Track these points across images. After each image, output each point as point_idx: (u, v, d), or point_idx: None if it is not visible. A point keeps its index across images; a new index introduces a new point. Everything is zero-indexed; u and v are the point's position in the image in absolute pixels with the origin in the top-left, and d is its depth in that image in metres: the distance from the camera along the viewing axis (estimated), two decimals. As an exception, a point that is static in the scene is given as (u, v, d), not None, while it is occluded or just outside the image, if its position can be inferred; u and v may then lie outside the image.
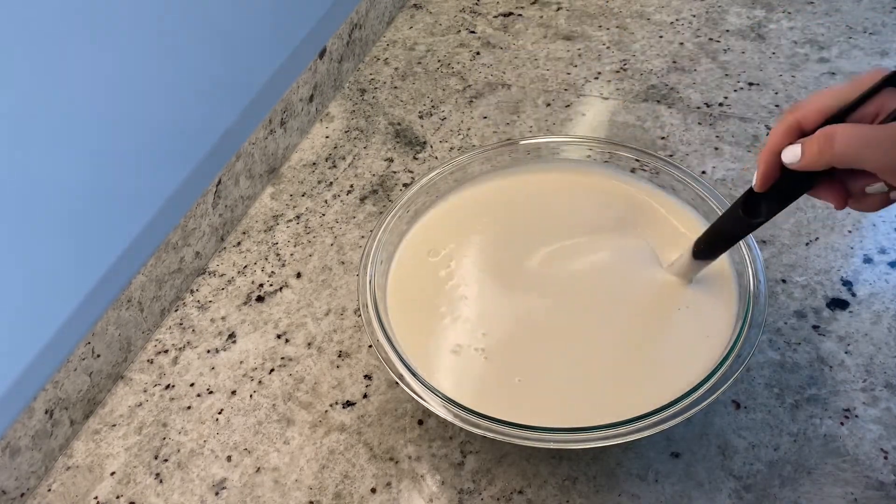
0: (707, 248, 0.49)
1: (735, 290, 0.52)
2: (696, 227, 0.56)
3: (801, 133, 0.39)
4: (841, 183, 0.40)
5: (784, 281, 0.59)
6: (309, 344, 0.60)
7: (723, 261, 0.54)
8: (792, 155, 0.38)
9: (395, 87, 0.82)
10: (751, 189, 0.42)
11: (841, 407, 0.52)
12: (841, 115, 0.38)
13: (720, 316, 0.51)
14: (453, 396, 0.47)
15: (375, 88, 0.82)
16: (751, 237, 0.52)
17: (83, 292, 0.54)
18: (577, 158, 0.61)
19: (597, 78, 0.80)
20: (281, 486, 0.51)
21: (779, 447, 0.50)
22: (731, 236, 0.47)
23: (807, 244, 0.62)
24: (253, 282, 0.65)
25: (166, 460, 0.54)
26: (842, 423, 0.51)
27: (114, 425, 0.56)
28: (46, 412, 0.53)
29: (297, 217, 0.69)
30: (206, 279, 0.65)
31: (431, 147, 0.75)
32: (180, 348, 0.60)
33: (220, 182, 0.66)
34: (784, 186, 0.41)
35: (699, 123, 0.73)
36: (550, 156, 0.61)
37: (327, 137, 0.77)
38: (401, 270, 0.56)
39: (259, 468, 0.53)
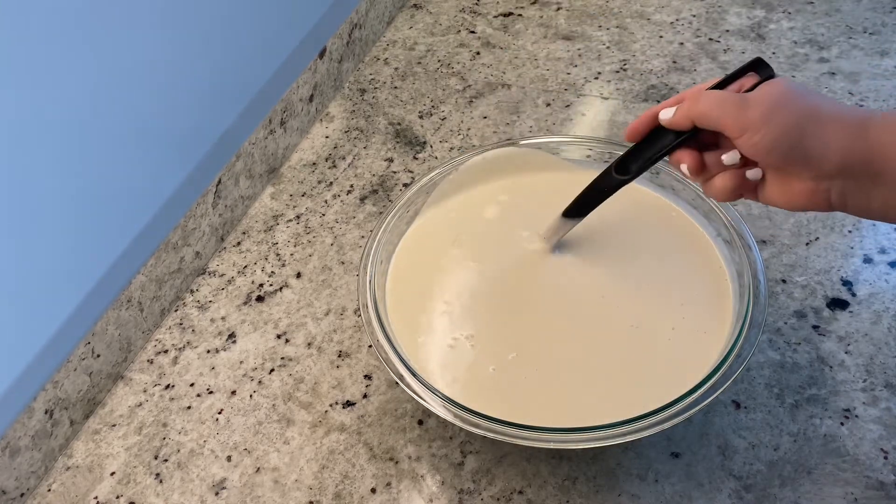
0: (576, 207, 0.52)
1: (735, 290, 0.52)
2: (696, 226, 0.56)
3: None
4: (700, 154, 0.44)
5: (784, 281, 0.59)
6: (309, 344, 0.60)
7: (722, 260, 0.54)
8: (666, 113, 0.44)
9: (395, 87, 0.82)
10: (621, 156, 0.48)
11: (841, 407, 0.52)
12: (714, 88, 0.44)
13: (720, 316, 0.51)
14: (453, 396, 0.47)
15: (375, 88, 0.82)
16: (751, 237, 0.52)
17: (83, 292, 0.54)
18: (576, 158, 0.61)
19: (597, 78, 0.80)
20: (281, 486, 0.51)
21: (779, 447, 0.50)
22: (600, 192, 0.50)
23: (807, 244, 0.62)
24: (253, 282, 0.65)
25: (166, 460, 0.54)
26: (842, 423, 0.51)
27: (114, 425, 0.56)
28: (46, 412, 0.53)
29: (297, 217, 0.69)
30: (206, 279, 0.65)
31: (431, 147, 0.75)
32: (180, 348, 0.60)
33: (220, 182, 0.66)
34: (650, 147, 0.46)
35: (699, 123, 0.73)
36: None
37: (327, 137, 0.77)
38: (401, 270, 0.56)
39: (259, 468, 0.53)
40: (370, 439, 0.53)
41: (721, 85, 0.44)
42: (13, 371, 0.50)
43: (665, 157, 0.45)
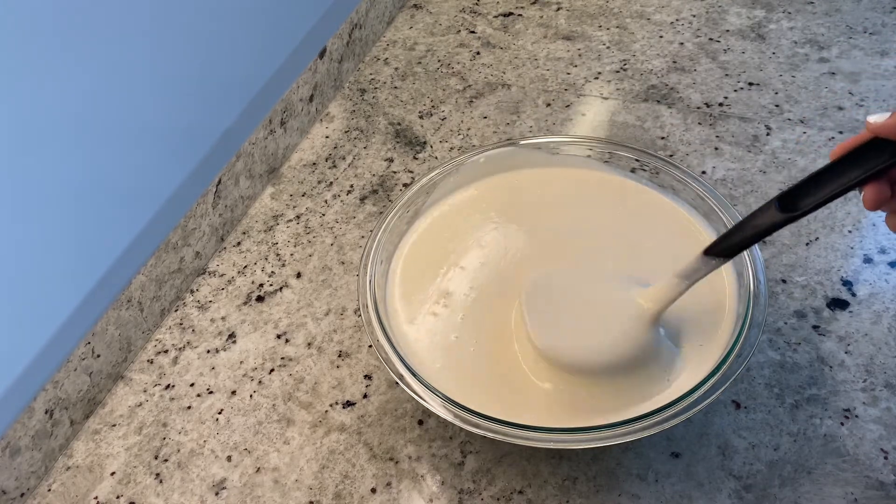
0: (728, 247, 0.46)
1: (735, 290, 0.52)
2: (696, 226, 0.56)
3: None
4: (889, 184, 0.39)
5: (784, 281, 0.59)
6: (309, 344, 0.60)
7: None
8: (878, 116, 0.38)
9: (395, 87, 0.82)
10: (785, 191, 0.41)
11: (841, 407, 0.52)
12: None
13: (720, 316, 0.51)
14: (453, 396, 0.47)
15: (375, 88, 0.82)
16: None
17: (83, 292, 0.54)
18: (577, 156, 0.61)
19: (597, 78, 0.80)
20: (281, 486, 0.51)
21: (779, 447, 0.50)
22: (759, 233, 0.44)
23: (807, 244, 0.62)
24: (253, 282, 0.65)
25: (166, 460, 0.54)
26: (842, 423, 0.51)
27: (114, 425, 0.56)
28: (46, 412, 0.53)
29: (297, 217, 0.69)
30: (206, 279, 0.65)
31: (431, 147, 0.75)
32: (180, 348, 0.60)
33: (220, 182, 0.66)
34: (839, 172, 0.39)
35: (699, 123, 0.73)
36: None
37: (327, 137, 0.77)
38: (401, 270, 0.56)
39: (259, 468, 0.53)
40: (370, 439, 0.53)
41: None
42: (13, 371, 0.50)
43: (850, 190, 0.39)
